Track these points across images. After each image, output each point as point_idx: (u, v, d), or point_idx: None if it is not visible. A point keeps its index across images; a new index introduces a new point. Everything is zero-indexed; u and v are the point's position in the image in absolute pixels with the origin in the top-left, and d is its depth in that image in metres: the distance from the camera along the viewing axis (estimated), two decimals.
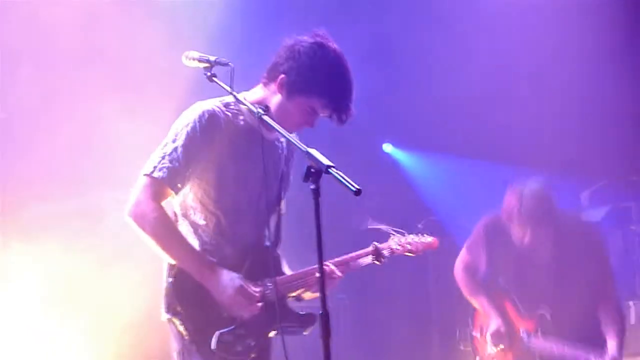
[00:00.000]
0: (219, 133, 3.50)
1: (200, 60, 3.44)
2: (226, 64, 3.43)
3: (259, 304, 3.47)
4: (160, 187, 3.46)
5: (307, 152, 2.98)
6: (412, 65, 6.73)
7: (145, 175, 3.47)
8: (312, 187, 2.88)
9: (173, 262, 3.48)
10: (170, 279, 3.47)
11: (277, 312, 3.45)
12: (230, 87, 3.41)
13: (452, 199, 6.47)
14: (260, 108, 3.36)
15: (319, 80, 3.49)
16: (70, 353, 5.46)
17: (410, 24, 6.58)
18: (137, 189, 3.47)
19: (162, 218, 3.45)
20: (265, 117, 3.34)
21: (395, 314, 6.86)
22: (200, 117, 3.49)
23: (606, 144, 6.37)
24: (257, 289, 3.49)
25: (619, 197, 6.50)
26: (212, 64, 3.43)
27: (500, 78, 6.50)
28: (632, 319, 6.39)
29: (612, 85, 6.38)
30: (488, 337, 5.09)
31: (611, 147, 6.36)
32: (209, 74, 3.42)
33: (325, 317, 2.81)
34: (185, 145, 3.47)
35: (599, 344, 4.81)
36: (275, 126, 3.33)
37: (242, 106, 3.55)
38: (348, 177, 2.87)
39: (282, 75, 3.53)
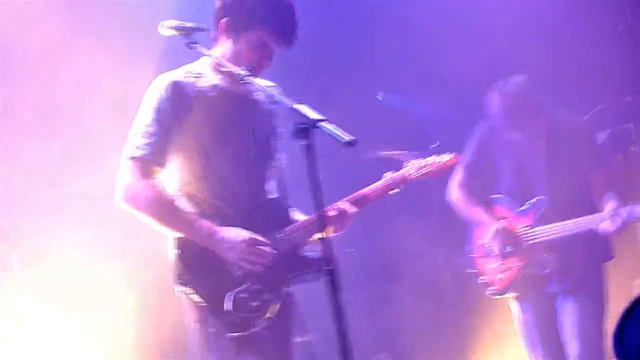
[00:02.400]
0: (187, 99, 3.51)
1: (178, 29, 3.44)
2: (204, 29, 3.47)
3: (271, 254, 3.46)
4: (145, 164, 3.47)
5: (294, 108, 2.97)
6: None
7: (127, 158, 3.48)
8: (304, 143, 2.85)
9: (176, 235, 3.48)
10: (176, 251, 3.48)
11: (291, 260, 3.49)
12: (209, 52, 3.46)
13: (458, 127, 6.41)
14: (243, 69, 3.35)
15: (256, 10, 3.51)
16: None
17: None
18: (123, 173, 3.49)
19: (156, 194, 3.46)
20: (250, 78, 3.34)
21: (404, 261, 6.87)
22: (165, 88, 3.50)
23: (596, 67, 6.31)
24: (266, 241, 3.48)
25: (616, 119, 6.46)
26: (191, 32, 3.43)
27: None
28: None
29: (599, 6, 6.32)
30: (490, 245, 5.00)
31: (601, 69, 6.30)
32: (188, 41, 3.41)
33: (333, 273, 2.80)
34: (156, 119, 3.48)
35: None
36: (259, 84, 3.35)
37: (223, 69, 3.54)
38: (341, 130, 2.85)
39: (223, 20, 3.56)
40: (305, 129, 2.86)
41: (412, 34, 6.61)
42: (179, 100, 3.50)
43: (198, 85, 3.57)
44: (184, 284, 3.46)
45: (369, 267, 6.84)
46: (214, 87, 3.59)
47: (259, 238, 3.47)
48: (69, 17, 5.45)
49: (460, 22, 6.47)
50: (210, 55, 3.48)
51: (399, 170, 3.92)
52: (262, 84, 3.50)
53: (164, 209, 3.46)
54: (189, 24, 3.44)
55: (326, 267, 2.81)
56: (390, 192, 3.84)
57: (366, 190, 3.78)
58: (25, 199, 5.39)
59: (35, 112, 5.50)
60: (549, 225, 4.86)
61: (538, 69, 5.58)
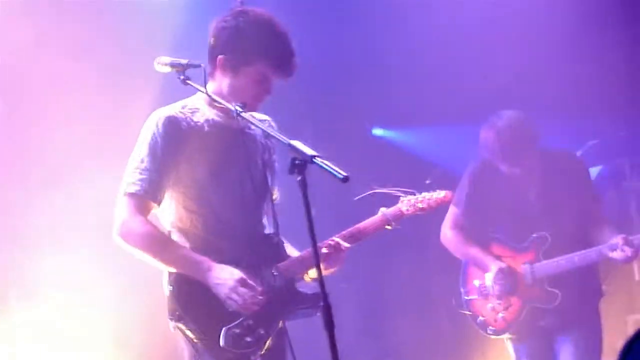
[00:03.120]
0: (181, 134, 3.52)
1: (172, 65, 3.48)
2: (198, 66, 3.47)
3: (262, 296, 3.44)
4: (140, 201, 3.48)
5: (290, 144, 3.00)
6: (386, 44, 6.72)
7: (123, 195, 3.49)
8: (299, 178, 2.87)
9: (171, 270, 3.47)
10: (170, 287, 3.47)
11: (285, 296, 3.49)
12: (204, 87, 3.47)
13: (453, 163, 6.39)
14: (237, 105, 3.37)
15: (253, 44, 3.52)
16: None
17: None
18: (119, 209, 3.50)
19: (150, 230, 3.47)
20: (243, 114, 3.36)
21: (399, 296, 6.85)
22: (158, 123, 3.52)
23: (591, 101, 6.34)
24: (260, 279, 3.47)
25: (610, 154, 6.48)
26: (185, 67, 3.46)
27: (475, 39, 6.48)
28: (637, 275, 6.40)
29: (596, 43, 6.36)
30: (490, 288, 4.93)
31: (595, 104, 6.33)
32: (182, 77, 3.45)
33: (327, 309, 2.80)
34: (150, 154, 3.49)
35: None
36: (253, 121, 3.38)
37: (217, 104, 3.55)
38: (336, 166, 2.88)
39: (220, 56, 3.56)
40: (300, 164, 2.88)
41: (405, 68, 6.64)
42: (174, 135, 3.51)
43: (193, 120, 3.58)
44: (178, 319, 3.44)
45: (363, 303, 6.82)
46: (209, 121, 3.59)
47: (251, 279, 3.45)
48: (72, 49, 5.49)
49: (453, 56, 6.49)
50: (204, 92, 3.49)
51: (393, 205, 3.91)
52: (257, 119, 3.51)
53: (157, 244, 3.47)
54: (182, 60, 3.46)
55: (320, 303, 2.80)
56: (386, 228, 3.83)
57: (361, 225, 3.78)
58: (24, 235, 5.37)
59: (30, 147, 5.52)
60: (552, 260, 4.82)
61: (532, 103, 5.60)
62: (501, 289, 4.91)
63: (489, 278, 4.96)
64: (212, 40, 3.61)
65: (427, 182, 5.23)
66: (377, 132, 7.74)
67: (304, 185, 2.86)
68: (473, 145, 5.17)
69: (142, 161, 3.50)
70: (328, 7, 6.55)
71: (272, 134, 3.33)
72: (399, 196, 3.94)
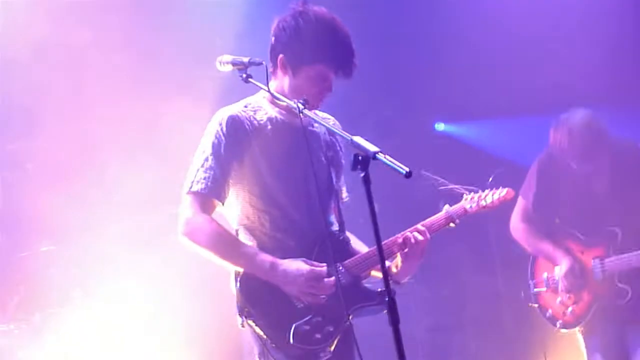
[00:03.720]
0: (244, 133, 3.54)
1: (234, 64, 3.48)
2: (259, 64, 3.47)
3: (331, 286, 3.44)
4: (204, 199, 3.50)
5: (352, 141, 3.00)
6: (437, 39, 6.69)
7: (187, 193, 3.51)
8: (362, 174, 2.87)
9: (237, 269, 3.49)
10: (238, 284, 3.48)
11: (352, 293, 3.46)
12: (266, 84, 3.47)
13: (514, 157, 6.33)
14: (299, 102, 3.37)
15: (313, 45, 3.52)
16: None
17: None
18: (183, 208, 3.52)
19: (215, 228, 3.48)
20: (306, 111, 3.36)
21: (462, 289, 6.80)
22: (222, 122, 3.54)
23: None
24: (327, 271, 3.47)
25: None
26: (246, 65, 3.46)
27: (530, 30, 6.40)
28: None
29: None
30: (560, 282, 4.93)
31: None
32: (244, 75, 3.46)
33: (392, 304, 2.80)
34: (214, 153, 3.51)
35: None
36: (315, 118, 3.38)
37: (279, 102, 3.56)
38: (398, 161, 2.88)
39: (280, 56, 3.57)
40: (363, 160, 2.87)
41: (471, 64, 6.60)
42: (237, 134, 3.53)
43: (256, 119, 3.59)
44: (247, 316, 3.45)
45: (428, 299, 6.79)
46: (272, 119, 3.61)
47: (319, 269, 3.46)
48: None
49: (518, 52, 6.45)
50: (266, 89, 3.50)
51: (457, 202, 3.89)
52: (319, 116, 3.51)
53: (224, 243, 3.48)
54: (244, 58, 3.47)
55: (386, 299, 2.79)
56: (450, 225, 3.80)
57: (426, 222, 3.74)
58: (89, 232, 5.47)
59: (95, 144, 5.63)
60: (623, 256, 4.78)
61: (601, 98, 5.53)
62: (570, 283, 4.90)
63: (558, 272, 4.95)
64: (273, 39, 3.62)
65: (490, 179, 5.16)
66: (439, 126, 7.70)
67: (367, 181, 2.86)
68: (534, 137, 5.14)
69: (206, 160, 3.52)
70: (387, 3, 6.55)
71: (334, 130, 3.34)
72: (462, 193, 3.91)
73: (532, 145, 5.29)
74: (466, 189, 3.93)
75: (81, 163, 5.72)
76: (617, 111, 5.85)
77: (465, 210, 3.84)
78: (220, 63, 3.50)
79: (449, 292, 6.95)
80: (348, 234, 3.71)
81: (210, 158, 3.52)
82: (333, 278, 3.45)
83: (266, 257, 3.46)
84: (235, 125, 3.54)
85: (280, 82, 3.62)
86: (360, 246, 3.70)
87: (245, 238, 3.56)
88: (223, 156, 3.51)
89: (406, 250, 3.58)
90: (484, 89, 6.65)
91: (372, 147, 2.91)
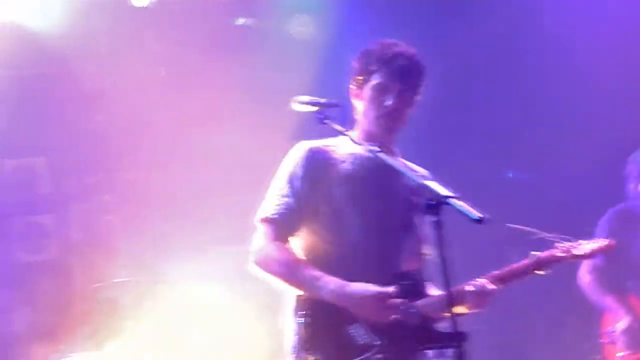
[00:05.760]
0: (322, 166, 3.55)
1: (311, 104, 3.50)
2: (336, 105, 3.48)
3: (399, 304, 3.38)
4: (277, 227, 3.51)
5: (423, 185, 2.99)
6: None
7: (260, 221, 3.54)
8: (433, 219, 2.86)
9: (302, 294, 3.46)
10: (301, 319, 3.46)
11: (420, 333, 3.41)
12: (343, 127, 3.47)
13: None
14: (375, 146, 3.37)
15: (370, 61, 3.56)
16: None
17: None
18: (256, 235, 3.54)
19: (286, 255, 3.48)
20: (381, 155, 3.36)
21: (533, 343, 6.69)
22: (301, 154, 3.56)
23: None
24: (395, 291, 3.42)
25: None
26: (323, 106, 3.48)
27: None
28: None
29: None
30: (619, 338, 4.89)
31: None
32: (321, 117, 3.46)
33: (462, 349, 2.81)
34: (290, 183, 3.53)
35: None
36: (391, 162, 3.36)
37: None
38: (472, 207, 2.85)
39: (351, 87, 3.62)
40: (435, 205, 2.86)
41: (543, 113, 6.56)
42: (313, 166, 3.54)
43: (333, 153, 3.60)
44: (306, 350, 3.42)
45: (498, 347, 6.69)
46: (353, 155, 3.60)
47: (388, 290, 3.39)
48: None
49: (595, 97, 6.39)
50: (339, 130, 3.50)
51: (544, 250, 3.80)
52: (396, 160, 3.50)
53: (292, 268, 3.46)
54: (322, 100, 3.49)
55: (456, 343, 2.76)
56: (535, 272, 3.73)
57: (513, 267, 3.67)
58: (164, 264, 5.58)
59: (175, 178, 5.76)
60: None
61: None
62: (629, 341, 4.87)
63: (619, 328, 4.92)
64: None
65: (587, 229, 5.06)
66: (513, 174, 7.63)
67: (438, 226, 2.85)
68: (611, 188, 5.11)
69: (281, 189, 3.54)
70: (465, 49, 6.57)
71: (404, 171, 3.31)
72: (554, 242, 3.82)
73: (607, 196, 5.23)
74: (560, 238, 3.83)
75: (157, 195, 5.84)
76: None
77: (555, 258, 3.71)
78: (297, 103, 3.54)
79: (519, 341, 6.85)
80: (425, 277, 3.65)
81: (285, 187, 3.53)
82: (401, 300, 3.39)
83: (333, 279, 3.42)
84: (312, 157, 3.55)
85: (357, 114, 3.63)
86: (435, 291, 3.66)
87: (312, 267, 3.52)
88: (299, 187, 3.52)
89: (475, 298, 3.54)
90: (560, 137, 6.60)
91: (444, 192, 2.89)
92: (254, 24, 6.35)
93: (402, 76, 3.53)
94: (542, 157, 7.08)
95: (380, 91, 3.54)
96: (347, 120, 3.56)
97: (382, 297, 3.38)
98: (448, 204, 2.86)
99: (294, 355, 3.46)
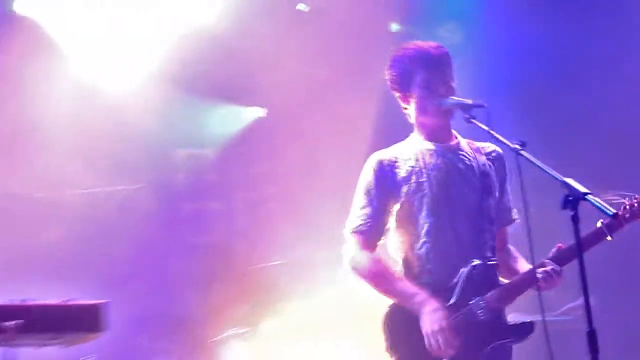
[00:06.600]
0: (394, 175, 3.86)
1: (458, 105, 3.77)
2: (482, 106, 3.69)
3: (455, 347, 3.65)
4: (364, 237, 3.87)
5: (564, 182, 3.18)
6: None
7: (349, 232, 3.90)
8: (571, 214, 3.06)
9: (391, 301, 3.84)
10: (385, 318, 3.85)
11: (493, 328, 3.69)
12: (488, 126, 3.64)
13: None
14: (516, 144, 3.53)
15: (405, 61, 3.89)
16: None
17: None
18: (348, 245, 3.91)
19: (375, 265, 3.83)
20: (523, 152, 3.49)
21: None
22: (371, 166, 3.89)
23: None
24: (465, 313, 3.70)
25: None
26: (469, 107, 3.71)
27: None
28: None
29: None
30: None
31: None
32: (467, 116, 3.71)
33: (591, 334, 2.95)
34: (367, 196, 3.87)
35: None
36: (534, 160, 3.48)
37: (475, 143, 3.95)
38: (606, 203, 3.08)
39: (396, 94, 3.96)
40: (573, 200, 3.07)
41: None
42: (386, 177, 3.86)
43: (404, 158, 3.89)
44: (389, 348, 3.80)
45: (624, 335, 6.62)
46: (423, 157, 3.89)
47: (448, 333, 3.65)
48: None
49: None
50: (486, 129, 3.67)
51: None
52: (479, 145, 3.90)
53: (380, 277, 3.83)
54: (468, 100, 3.74)
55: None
56: (605, 239, 3.75)
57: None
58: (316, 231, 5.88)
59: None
60: None
61: None
62: None
63: None
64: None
65: None
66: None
67: (575, 220, 3.06)
68: None
69: (361, 201, 3.89)
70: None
71: (549, 171, 3.41)
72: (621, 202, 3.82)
73: None
74: (622, 195, 3.83)
75: (310, 190, 6.17)
76: None
77: (618, 219, 3.70)
78: (444, 104, 3.81)
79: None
80: (511, 247, 3.96)
81: (364, 199, 3.88)
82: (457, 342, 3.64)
83: (414, 291, 3.75)
84: (383, 168, 3.87)
85: (418, 121, 3.93)
86: (522, 265, 3.89)
87: (400, 267, 3.89)
88: (376, 198, 3.86)
89: (548, 280, 3.72)
90: None
91: (582, 189, 3.09)
92: (407, 30, 6.58)
93: (439, 65, 3.83)
94: None
95: (429, 82, 3.82)
96: (491, 120, 3.74)
97: (442, 335, 3.65)
98: (586, 199, 3.05)
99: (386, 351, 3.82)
